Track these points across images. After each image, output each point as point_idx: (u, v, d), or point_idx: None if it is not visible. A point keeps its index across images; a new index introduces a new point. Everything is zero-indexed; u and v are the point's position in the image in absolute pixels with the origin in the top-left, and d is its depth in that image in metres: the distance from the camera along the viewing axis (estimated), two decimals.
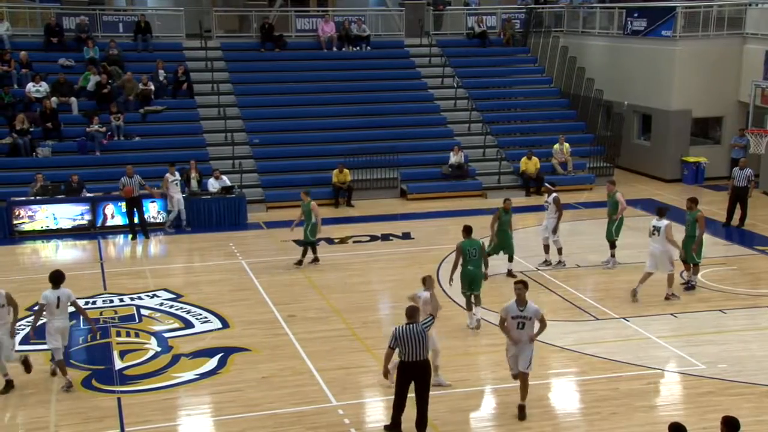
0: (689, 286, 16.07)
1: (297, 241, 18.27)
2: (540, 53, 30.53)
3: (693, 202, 16.13)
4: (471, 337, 13.94)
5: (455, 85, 28.21)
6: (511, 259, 16.86)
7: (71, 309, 12.34)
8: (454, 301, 15.40)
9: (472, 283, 14.11)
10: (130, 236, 20.08)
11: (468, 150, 25.46)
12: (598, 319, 14.76)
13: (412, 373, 10.29)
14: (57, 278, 12.11)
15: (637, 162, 27.51)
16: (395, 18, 30.93)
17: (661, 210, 15.79)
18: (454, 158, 24.66)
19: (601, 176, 25.73)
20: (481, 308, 14.32)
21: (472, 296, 14.21)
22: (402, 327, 10.28)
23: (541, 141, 26.90)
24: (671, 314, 14.91)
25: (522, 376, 11.08)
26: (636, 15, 27.75)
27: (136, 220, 20.03)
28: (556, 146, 25.69)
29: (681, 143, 26.47)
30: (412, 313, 10.44)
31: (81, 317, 14.63)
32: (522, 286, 11.04)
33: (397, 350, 10.33)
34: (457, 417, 11.20)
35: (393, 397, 10.62)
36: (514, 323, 10.96)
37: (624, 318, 14.69)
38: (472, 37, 30.51)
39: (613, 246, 17.53)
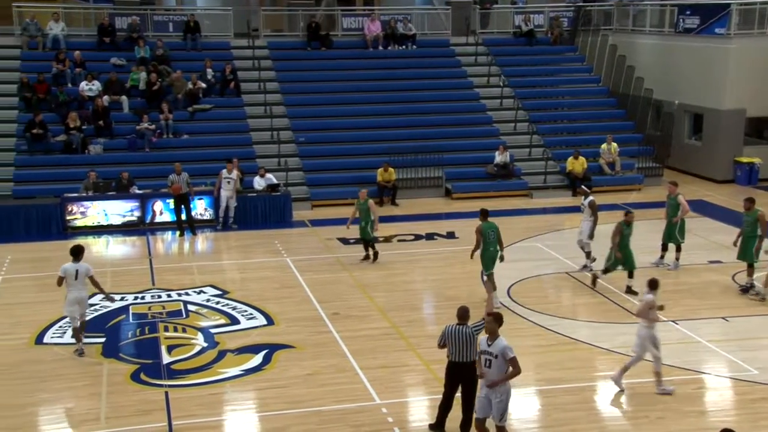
0: (748, 288, 15.72)
1: (361, 240, 18.16)
2: (588, 52, 30.18)
3: (751, 201, 15.83)
4: (515, 338, 13.81)
5: (501, 84, 28.03)
6: (631, 275, 15.78)
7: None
8: (499, 300, 15.30)
9: (490, 263, 14.82)
10: (177, 233, 20.36)
11: (513, 149, 25.28)
12: None
13: (460, 374, 10.22)
14: (77, 252, 13.12)
15: (688, 162, 27.02)
16: (441, 17, 30.83)
17: None
18: (499, 158, 24.51)
19: (650, 176, 25.39)
20: (521, 307, 14.21)
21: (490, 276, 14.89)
22: (451, 327, 10.21)
23: (588, 141, 26.58)
24: (723, 318, 14.62)
25: (497, 430, 9.76)
26: (688, 12, 27.26)
27: (183, 217, 20.29)
28: (604, 146, 25.37)
29: (734, 143, 25.92)
30: (463, 314, 10.33)
31: (130, 311, 14.95)
32: (492, 319, 9.75)
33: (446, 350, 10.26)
34: None
35: (438, 396, 10.59)
36: (481, 359, 9.76)
37: (673, 321, 14.43)
38: (519, 35, 30.29)
39: (678, 249, 17.22)
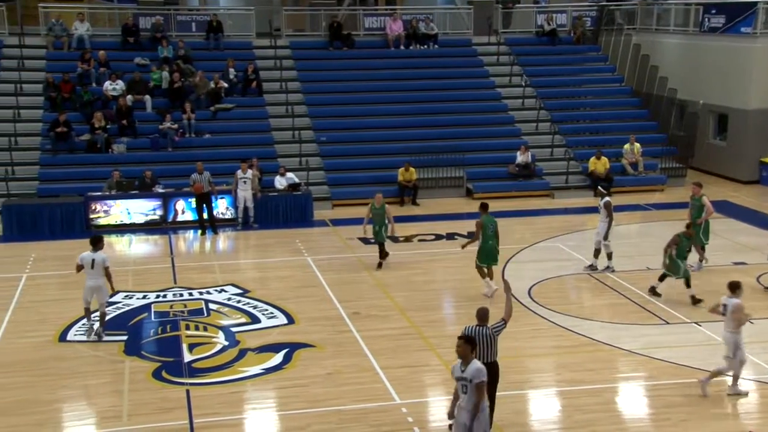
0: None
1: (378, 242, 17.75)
2: (611, 51, 29.99)
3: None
4: (536, 338, 13.78)
5: (523, 84, 27.92)
6: (688, 285, 15.29)
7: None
8: (519, 301, 15.25)
9: (489, 256, 15.44)
10: (199, 232, 20.47)
11: (535, 149, 25.17)
12: (668, 323, 14.41)
13: None
14: (96, 241, 13.71)
15: (712, 163, 26.76)
16: (463, 16, 30.78)
17: None
18: (521, 158, 24.41)
19: (673, 177, 25.17)
20: (542, 308, 14.13)
21: (487, 268, 15.50)
22: (471, 328, 10.16)
23: (610, 141, 26.42)
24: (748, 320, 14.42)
25: None
26: (714, 11, 27.00)
27: (205, 216, 20.40)
28: (627, 146, 25.18)
29: (760, 143, 25.63)
30: (482, 314, 10.27)
31: (152, 309, 15.06)
32: (464, 342, 9.09)
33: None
34: (521, 419, 11.08)
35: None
36: (459, 386, 9.07)
37: (696, 323, 14.30)
38: (542, 35, 30.15)
39: (702, 250, 17.05)
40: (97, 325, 13.75)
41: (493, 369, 10.16)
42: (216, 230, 20.44)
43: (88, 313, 13.83)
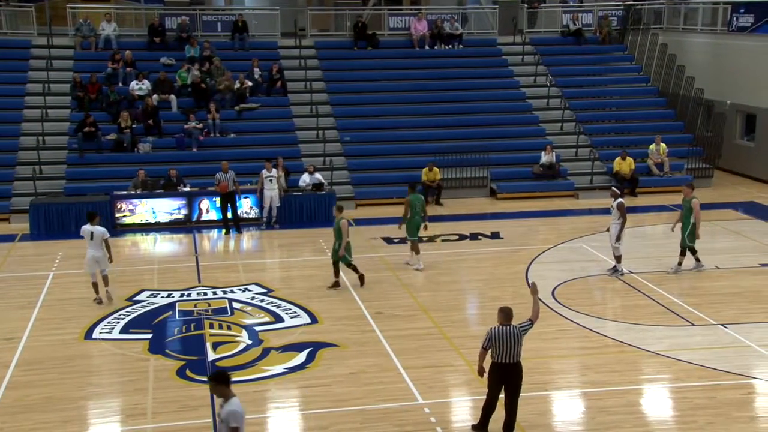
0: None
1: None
2: (637, 51, 29.74)
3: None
4: (561, 339, 13.70)
5: (548, 84, 27.79)
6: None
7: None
8: (543, 302, 15.18)
9: (417, 229, 17.24)
10: (223, 231, 20.59)
11: (560, 149, 25.04)
12: (694, 325, 14.27)
13: (504, 375, 10.15)
14: (92, 216, 15.25)
15: (739, 163, 26.46)
16: (489, 16, 30.68)
17: None
18: (545, 158, 24.28)
19: (699, 178, 24.92)
20: (567, 309, 14.01)
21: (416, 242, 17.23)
22: (497, 328, 10.10)
23: (636, 141, 26.23)
24: None
25: None
26: (742, 11, 26.70)
27: (229, 215, 20.51)
28: (652, 146, 24.97)
29: None
30: (507, 314, 10.21)
31: (176, 308, 15.17)
32: (214, 383, 8.20)
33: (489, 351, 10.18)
34: (544, 420, 11.03)
35: (481, 396, 10.53)
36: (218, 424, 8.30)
37: (722, 324, 14.15)
38: (567, 34, 29.98)
39: (693, 252, 16.82)
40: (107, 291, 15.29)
41: (516, 369, 10.13)
42: (240, 230, 20.54)
43: (95, 288, 15.25)
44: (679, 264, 16.88)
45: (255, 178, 21.31)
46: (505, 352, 10.03)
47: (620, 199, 16.68)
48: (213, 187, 20.74)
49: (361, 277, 16.26)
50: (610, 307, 15.60)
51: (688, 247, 16.76)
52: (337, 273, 16.24)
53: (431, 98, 26.93)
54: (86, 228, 15.17)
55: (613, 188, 17.38)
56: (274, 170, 20.96)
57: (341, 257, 16.01)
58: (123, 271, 17.44)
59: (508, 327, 10.08)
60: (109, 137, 23.55)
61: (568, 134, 26.10)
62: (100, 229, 15.10)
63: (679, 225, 16.85)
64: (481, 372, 10.48)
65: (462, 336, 13.77)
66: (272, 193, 20.90)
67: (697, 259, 16.92)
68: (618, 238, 16.57)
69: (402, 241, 19.40)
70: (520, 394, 10.30)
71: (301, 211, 21.55)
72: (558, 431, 10.81)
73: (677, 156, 25.34)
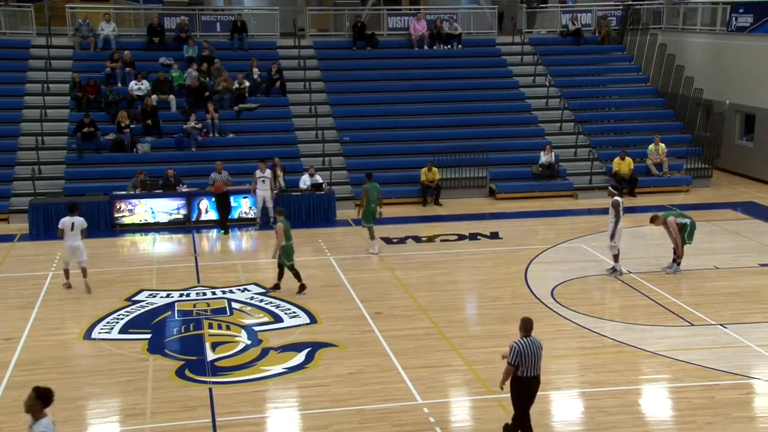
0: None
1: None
2: (636, 51, 29.76)
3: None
4: (559, 339, 13.71)
5: (547, 84, 27.79)
6: None
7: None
8: (542, 302, 15.20)
9: (371, 217, 18.28)
10: (222, 231, 20.58)
11: (559, 149, 25.05)
12: (693, 325, 14.28)
13: (529, 389, 9.83)
14: (73, 208, 16.20)
15: (738, 163, 26.48)
16: (488, 16, 30.67)
17: None
18: (544, 158, 24.29)
19: (699, 178, 24.95)
20: (566, 309, 14.01)
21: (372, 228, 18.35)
22: (522, 341, 9.65)
23: (635, 141, 26.24)
24: None
25: None
26: (741, 10, 26.71)
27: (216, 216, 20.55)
28: (651, 147, 24.98)
29: None
30: (528, 325, 9.77)
31: (176, 308, 15.16)
32: (35, 396, 7.58)
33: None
34: (544, 420, 11.01)
35: (480, 397, 10.48)
36: None
37: (721, 324, 14.16)
38: (566, 35, 29.99)
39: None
40: (77, 281, 16.04)
41: (538, 382, 9.85)
42: (227, 231, 20.50)
43: (67, 273, 16.15)
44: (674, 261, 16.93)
45: (252, 178, 21.32)
46: (532, 365, 9.66)
47: (616, 198, 16.64)
48: (209, 187, 20.77)
49: (301, 287, 15.86)
50: (609, 307, 15.60)
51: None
52: (280, 276, 16.04)
53: (430, 98, 26.93)
54: (66, 220, 15.92)
55: (610, 187, 17.38)
56: (267, 170, 20.99)
57: (284, 261, 15.85)
58: (122, 271, 17.44)
59: (531, 339, 9.72)
60: (108, 137, 23.54)
61: (567, 134, 26.10)
62: (79, 219, 15.97)
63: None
64: (503, 387, 10.03)
65: (461, 336, 13.77)
66: (264, 193, 20.90)
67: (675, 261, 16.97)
68: (612, 237, 16.57)
69: (401, 241, 19.45)
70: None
71: (300, 212, 21.55)
72: (557, 431, 10.81)
73: (676, 156, 25.35)
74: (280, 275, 16.10)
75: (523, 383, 9.79)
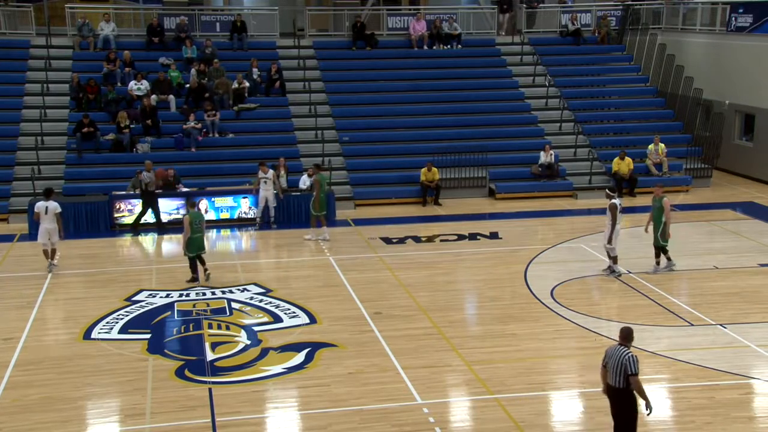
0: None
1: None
2: (636, 51, 29.77)
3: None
4: (559, 339, 13.72)
5: (547, 84, 27.80)
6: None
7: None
8: (542, 302, 15.20)
9: (321, 206, 19.36)
10: (222, 231, 20.59)
11: (559, 149, 25.05)
12: (692, 325, 14.28)
13: (609, 398, 9.73)
14: (47, 192, 17.21)
15: (738, 163, 26.49)
16: (487, 16, 30.67)
17: None
18: (544, 158, 24.30)
19: (698, 178, 24.95)
20: (565, 309, 13.99)
21: (324, 218, 19.51)
22: (612, 347, 9.60)
23: (635, 141, 26.24)
24: None
25: None
26: (741, 10, 26.71)
27: (146, 217, 20.64)
28: (651, 147, 24.99)
29: None
30: (627, 335, 9.52)
31: (175, 308, 15.17)
32: None
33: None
34: (543, 420, 11.03)
35: (480, 397, 10.46)
36: None
37: (721, 324, 14.16)
38: (566, 35, 29.99)
39: (665, 252, 16.81)
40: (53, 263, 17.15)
41: (616, 394, 9.59)
42: (162, 232, 20.44)
43: (46, 254, 17.18)
44: (657, 264, 16.92)
45: (253, 178, 21.31)
46: (610, 372, 9.51)
47: (613, 201, 16.61)
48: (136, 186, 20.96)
49: (194, 279, 16.39)
50: (608, 307, 15.59)
51: (660, 246, 16.77)
52: (193, 269, 16.50)
53: (430, 98, 26.93)
54: (41, 204, 17.04)
55: (607, 190, 17.35)
56: (270, 171, 20.98)
57: (186, 252, 16.36)
58: (122, 271, 17.44)
59: (619, 347, 9.50)
60: (108, 137, 23.54)
61: (567, 134, 26.10)
62: (53, 204, 16.99)
63: (652, 225, 16.85)
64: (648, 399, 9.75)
65: (460, 336, 13.77)
66: (267, 193, 20.90)
67: (669, 258, 16.93)
68: (610, 240, 16.54)
69: (401, 241, 19.46)
70: (524, 395, 10.09)
71: (299, 212, 21.54)
72: (556, 431, 10.81)
73: (676, 156, 25.35)
74: (193, 267, 16.51)
75: (607, 389, 9.67)
